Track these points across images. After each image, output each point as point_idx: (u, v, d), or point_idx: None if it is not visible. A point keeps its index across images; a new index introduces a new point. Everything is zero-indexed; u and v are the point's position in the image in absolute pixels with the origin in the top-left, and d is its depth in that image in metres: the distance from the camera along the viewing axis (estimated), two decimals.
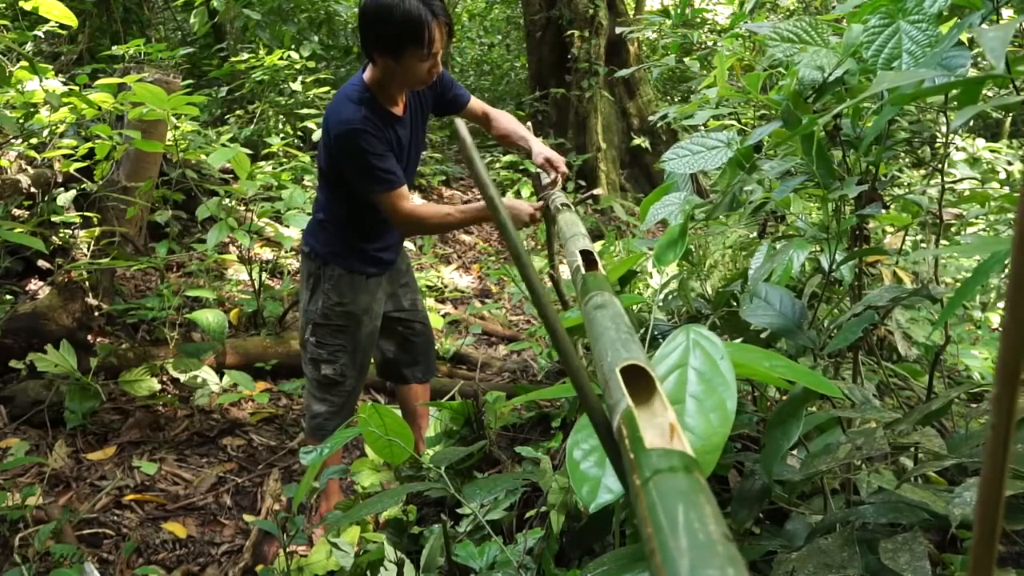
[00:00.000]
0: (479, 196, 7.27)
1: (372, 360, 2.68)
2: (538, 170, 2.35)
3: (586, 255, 0.96)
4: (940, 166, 1.74)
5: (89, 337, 3.18)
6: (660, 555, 0.35)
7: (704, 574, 0.33)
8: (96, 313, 3.25)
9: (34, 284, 3.71)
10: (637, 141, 6.94)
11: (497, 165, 6.81)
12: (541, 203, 2.10)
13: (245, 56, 5.63)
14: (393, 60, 1.99)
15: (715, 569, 0.33)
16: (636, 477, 0.41)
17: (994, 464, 0.29)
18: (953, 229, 3.75)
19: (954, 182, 3.98)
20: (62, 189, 3.54)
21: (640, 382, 0.52)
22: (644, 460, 0.42)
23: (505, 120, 2.47)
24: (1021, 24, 1.08)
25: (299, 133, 5.73)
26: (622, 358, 0.54)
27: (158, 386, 3.12)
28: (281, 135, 5.46)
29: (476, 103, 2.46)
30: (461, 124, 0.47)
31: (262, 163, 4.66)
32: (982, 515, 0.30)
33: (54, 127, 3.40)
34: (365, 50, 2.04)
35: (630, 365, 0.53)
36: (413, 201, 2.14)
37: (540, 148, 2.33)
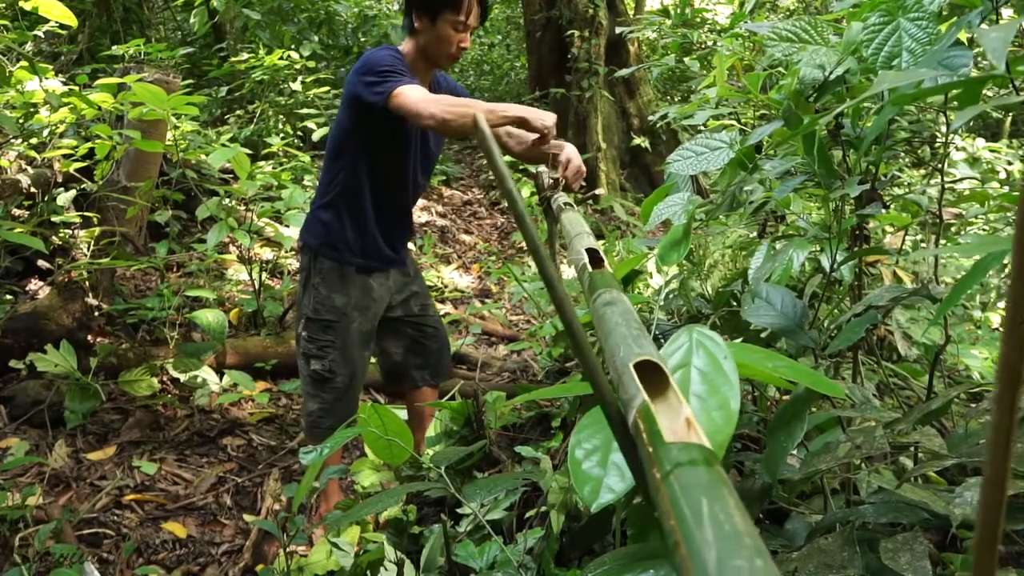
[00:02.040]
0: (480, 196, 7.23)
1: (377, 364, 2.68)
2: (539, 170, 2.33)
3: (592, 253, 0.96)
4: (940, 166, 1.74)
5: (89, 337, 3.18)
6: (686, 546, 0.35)
7: (732, 564, 0.33)
8: (96, 313, 3.25)
9: (34, 284, 3.70)
10: (637, 141, 6.94)
11: None
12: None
13: (245, 56, 5.63)
14: (430, 22, 2.10)
15: (743, 560, 0.33)
16: (656, 471, 0.41)
17: (996, 463, 0.29)
18: (953, 229, 3.75)
19: (954, 182, 3.98)
20: (62, 189, 3.54)
21: (652, 377, 0.52)
22: (664, 454, 0.42)
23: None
24: (1022, 24, 1.08)
25: (299, 133, 5.73)
26: (635, 353, 0.54)
27: (158, 386, 3.12)
28: (281, 135, 5.46)
29: None
30: (481, 116, 0.48)
31: (262, 163, 4.66)
32: (985, 515, 0.30)
33: (54, 127, 3.40)
34: (406, 14, 2.17)
35: (641, 361, 0.53)
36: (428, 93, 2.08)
37: (571, 149, 2.16)
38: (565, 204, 1.76)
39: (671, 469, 0.41)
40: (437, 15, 2.08)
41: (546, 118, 2.00)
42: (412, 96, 1.96)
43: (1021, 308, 0.29)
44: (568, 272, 4.24)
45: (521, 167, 6.34)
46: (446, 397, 3.01)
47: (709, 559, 0.33)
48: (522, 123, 2.01)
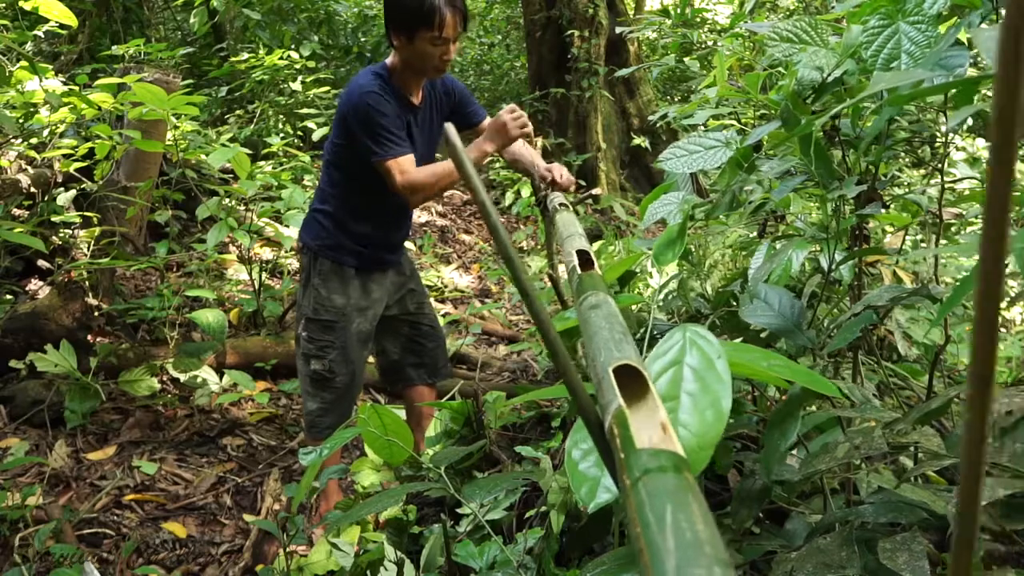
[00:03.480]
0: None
1: (375, 363, 2.69)
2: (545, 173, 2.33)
3: (582, 255, 0.96)
4: (940, 166, 1.74)
5: (89, 337, 3.18)
6: (648, 554, 0.35)
7: (690, 573, 0.33)
8: (96, 313, 3.25)
9: (34, 284, 3.71)
10: (637, 141, 6.94)
11: (497, 165, 6.81)
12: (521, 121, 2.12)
13: (245, 56, 5.63)
14: (407, 41, 2.08)
15: (702, 568, 0.33)
16: (626, 477, 0.42)
17: (971, 463, 0.29)
18: (953, 228, 3.74)
19: (954, 181, 3.98)
20: (62, 189, 3.54)
21: (634, 382, 0.52)
22: (634, 460, 0.42)
23: (517, 144, 2.43)
24: None
25: (299, 133, 5.73)
26: (615, 358, 0.54)
27: (158, 386, 3.12)
28: (281, 135, 5.46)
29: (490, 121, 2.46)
30: (450, 128, 0.47)
31: (262, 163, 4.66)
32: (962, 514, 0.30)
33: (54, 127, 3.40)
34: (386, 31, 2.16)
35: (624, 365, 0.53)
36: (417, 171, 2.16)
37: (545, 165, 2.28)
38: (560, 205, 1.76)
39: (640, 476, 0.41)
40: (413, 33, 2.06)
41: (509, 121, 2.10)
42: (397, 180, 2.08)
43: (990, 306, 0.29)
44: (566, 273, 4.23)
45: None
46: (446, 397, 3.01)
47: (668, 566, 0.34)
48: (503, 144, 2.15)
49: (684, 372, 0.69)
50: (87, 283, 3.22)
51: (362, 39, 7.66)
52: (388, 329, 2.50)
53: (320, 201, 2.31)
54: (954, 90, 1.20)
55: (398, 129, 2.11)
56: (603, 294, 0.73)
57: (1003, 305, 3.72)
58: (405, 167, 2.10)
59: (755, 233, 3.01)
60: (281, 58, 5.52)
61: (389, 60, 2.20)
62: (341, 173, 2.25)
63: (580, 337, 1.74)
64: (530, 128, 2.13)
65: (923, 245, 3.30)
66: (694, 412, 0.64)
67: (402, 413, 2.58)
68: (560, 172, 2.19)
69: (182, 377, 3.06)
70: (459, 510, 1.85)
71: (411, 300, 2.52)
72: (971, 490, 0.29)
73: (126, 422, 2.99)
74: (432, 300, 4.47)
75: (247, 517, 2.60)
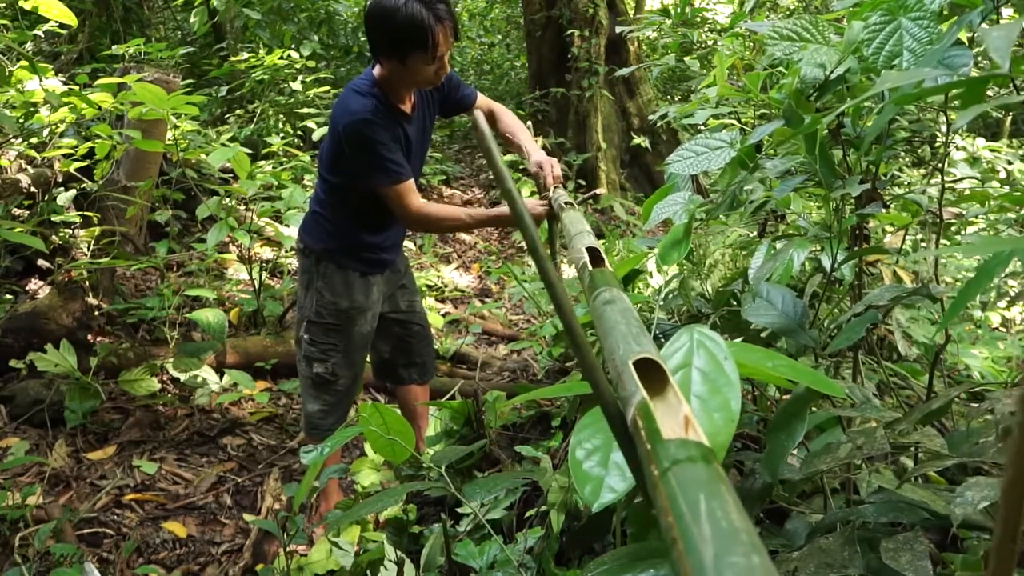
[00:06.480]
0: (480, 195, 7.25)
1: (370, 360, 2.68)
2: (538, 170, 2.34)
3: (592, 251, 0.96)
4: (940, 165, 1.74)
5: (89, 337, 3.18)
6: (683, 543, 0.35)
7: (729, 561, 0.33)
8: (96, 313, 3.24)
9: (34, 284, 3.70)
10: (637, 140, 6.93)
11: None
12: (547, 203, 2.08)
13: (245, 56, 5.62)
14: (399, 63, 1.99)
15: (740, 556, 0.33)
16: (654, 468, 0.42)
17: (1018, 463, 0.28)
18: (953, 228, 3.75)
19: (954, 181, 3.98)
20: (62, 189, 3.54)
21: (651, 375, 0.52)
22: (662, 451, 0.42)
23: (509, 122, 2.42)
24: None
25: (299, 132, 5.73)
26: (634, 351, 0.54)
27: (158, 386, 3.11)
28: (281, 134, 5.46)
29: (482, 101, 2.44)
30: (479, 115, 0.47)
31: (262, 162, 4.65)
32: (1005, 515, 0.29)
33: (54, 127, 3.39)
34: (372, 51, 2.05)
35: (641, 359, 0.53)
36: (420, 197, 2.15)
37: (538, 157, 2.26)
38: (566, 203, 1.76)
39: (669, 466, 0.41)
40: (405, 56, 1.97)
41: (536, 207, 2.09)
42: (402, 206, 2.11)
43: None
44: (568, 272, 4.24)
45: (521, 167, 6.33)
46: (446, 397, 3.01)
47: (706, 555, 0.33)
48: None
49: (693, 375, 0.68)
50: (87, 283, 3.21)
51: (362, 39, 7.65)
52: (379, 328, 2.49)
53: (319, 205, 2.29)
54: (957, 90, 1.20)
55: (395, 153, 2.06)
56: (616, 290, 0.73)
57: (1003, 304, 3.72)
58: (406, 195, 2.08)
59: (755, 233, 3.01)
60: (281, 58, 5.51)
61: (377, 71, 2.09)
62: (338, 182, 2.22)
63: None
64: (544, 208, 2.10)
65: (923, 245, 3.29)
66: (704, 415, 0.64)
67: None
68: (550, 169, 2.17)
69: (182, 377, 3.06)
70: (459, 510, 1.84)
71: (403, 297, 2.51)
72: (1015, 495, 0.28)
73: (126, 422, 2.98)
74: (432, 299, 4.48)
75: (247, 517, 2.60)
